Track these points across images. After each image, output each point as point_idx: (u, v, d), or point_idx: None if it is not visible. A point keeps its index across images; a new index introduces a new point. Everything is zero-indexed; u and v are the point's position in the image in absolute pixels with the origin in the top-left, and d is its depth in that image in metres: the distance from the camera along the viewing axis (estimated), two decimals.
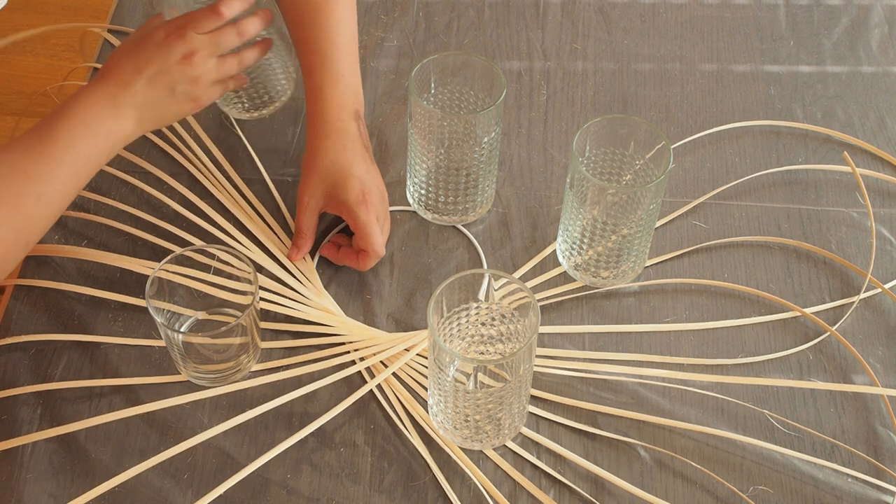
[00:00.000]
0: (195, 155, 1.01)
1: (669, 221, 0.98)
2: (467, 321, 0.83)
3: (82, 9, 1.23)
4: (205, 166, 1.00)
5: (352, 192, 0.90)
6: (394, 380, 0.87)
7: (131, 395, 0.85)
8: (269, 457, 0.81)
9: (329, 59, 0.92)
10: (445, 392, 0.79)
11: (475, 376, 0.84)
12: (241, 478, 0.80)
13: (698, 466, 0.82)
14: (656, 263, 0.95)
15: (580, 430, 0.84)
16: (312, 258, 0.94)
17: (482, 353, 0.85)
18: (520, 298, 0.79)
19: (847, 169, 1.01)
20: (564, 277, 0.94)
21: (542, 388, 0.87)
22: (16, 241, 0.76)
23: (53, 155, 0.78)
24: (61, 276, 0.92)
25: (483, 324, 0.83)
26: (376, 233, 0.90)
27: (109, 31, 1.11)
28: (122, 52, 0.84)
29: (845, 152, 1.01)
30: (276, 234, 0.96)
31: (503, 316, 0.82)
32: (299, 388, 0.86)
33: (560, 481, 0.82)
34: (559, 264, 0.94)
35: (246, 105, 1.04)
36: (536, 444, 0.84)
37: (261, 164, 1.00)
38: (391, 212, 0.98)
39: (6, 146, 0.78)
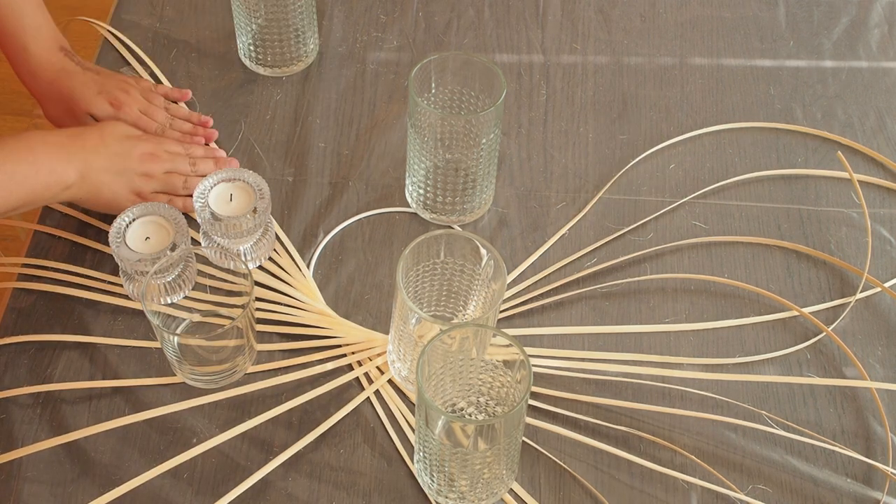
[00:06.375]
0: None
1: (669, 222, 0.98)
2: (461, 370, 0.80)
3: (82, 8, 1.23)
4: None
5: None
6: (391, 382, 0.87)
7: (131, 396, 0.86)
8: (276, 464, 0.81)
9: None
10: (430, 451, 0.77)
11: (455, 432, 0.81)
12: (247, 487, 0.80)
13: (699, 461, 0.83)
14: (655, 262, 0.95)
15: (579, 432, 0.85)
16: (308, 265, 0.94)
17: (476, 399, 0.83)
18: (513, 353, 0.75)
19: (846, 171, 1.01)
20: (563, 276, 0.94)
21: (541, 388, 0.87)
22: None
23: None
24: (61, 277, 0.92)
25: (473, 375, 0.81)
26: None
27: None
28: (103, 122, 0.91)
29: (839, 152, 1.01)
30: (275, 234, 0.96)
31: (495, 367, 0.79)
32: (298, 388, 0.86)
33: (558, 484, 0.82)
34: (558, 265, 0.94)
35: (269, 61, 1.07)
36: (535, 448, 0.84)
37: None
38: (390, 212, 0.98)
39: None
